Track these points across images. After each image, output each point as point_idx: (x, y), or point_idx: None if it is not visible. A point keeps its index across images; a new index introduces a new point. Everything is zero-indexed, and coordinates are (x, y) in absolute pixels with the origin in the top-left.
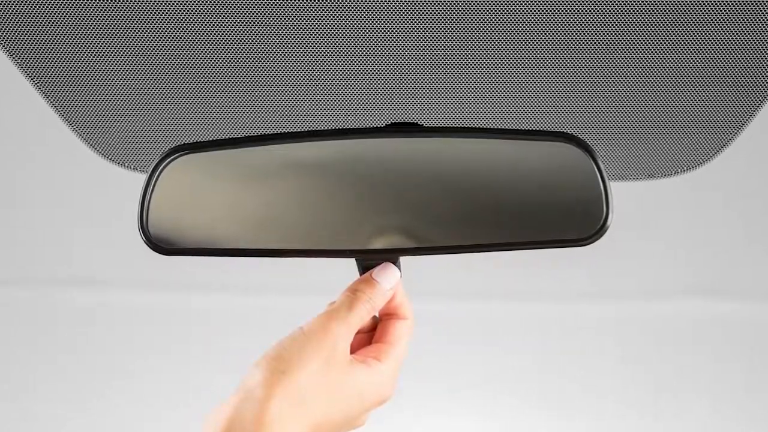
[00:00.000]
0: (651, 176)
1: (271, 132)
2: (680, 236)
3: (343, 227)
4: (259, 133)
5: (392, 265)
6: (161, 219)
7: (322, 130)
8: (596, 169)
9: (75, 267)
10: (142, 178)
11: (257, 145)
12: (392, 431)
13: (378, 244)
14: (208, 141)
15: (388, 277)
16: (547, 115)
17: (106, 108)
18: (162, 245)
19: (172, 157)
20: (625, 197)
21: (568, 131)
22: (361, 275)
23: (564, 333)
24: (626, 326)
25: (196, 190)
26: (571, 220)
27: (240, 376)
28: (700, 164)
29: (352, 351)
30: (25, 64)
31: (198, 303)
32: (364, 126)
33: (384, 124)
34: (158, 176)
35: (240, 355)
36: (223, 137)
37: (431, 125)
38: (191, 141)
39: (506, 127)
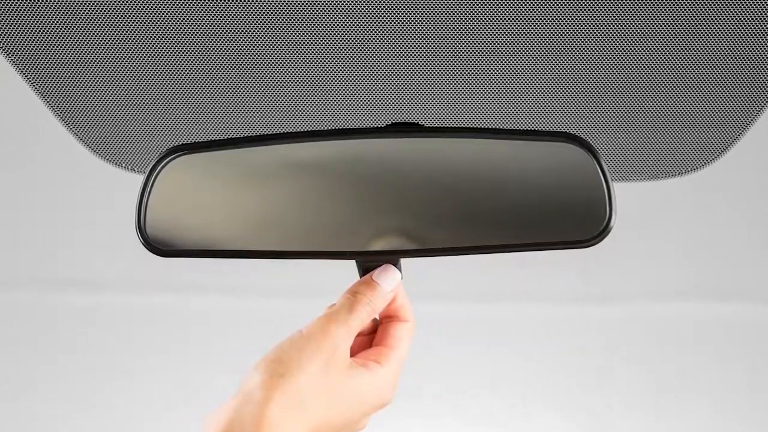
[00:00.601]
0: (654, 177)
1: (270, 132)
2: (683, 237)
3: (343, 228)
4: (258, 134)
5: (393, 266)
6: (159, 220)
7: (322, 130)
8: (599, 170)
9: (75, 268)
10: (140, 178)
11: (256, 146)
12: None
13: (378, 245)
14: (207, 141)
15: (388, 279)
16: (549, 115)
17: (103, 108)
18: (160, 247)
19: (170, 157)
20: (628, 198)
21: (571, 131)
22: (361, 277)
23: (565, 334)
24: (628, 327)
25: (194, 191)
26: (573, 221)
27: (239, 377)
28: (703, 165)
29: (352, 354)
30: (21, 63)
31: (198, 304)
32: (364, 126)
33: (384, 125)
34: (156, 177)
35: (239, 356)
36: (222, 137)
37: (432, 125)
38: (189, 141)
39: (508, 128)
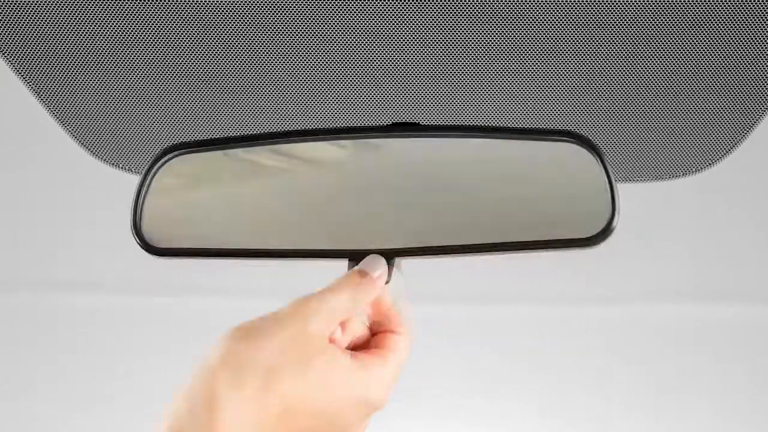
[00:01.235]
0: (657, 178)
1: (268, 131)
2: (684, 238)
3: (342, 228)
4: (256, 132)
5: (380, 256)
6: (155, 220)
7: (322, 128)
8: (603, 170)
9: (74, 269)
10: (137, 179)
11: (254, 145)
12: None
13: (376, 245)
14: (204, 140)
15: (373, 266)
16: (553, 115)
17: (98, 108)
18: (156, 247)
19: (167, 156)
20: (630, 199)
21: (574, 130)
22: None
23: (566, 335)
24: (629, 328)
25: (190, 191)
26: (576, 221)
27: None
28: (707, 166)
29: None
30: (17, 64)
31: (197, 305)
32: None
33: (385, 124)
34: (152, 176)
35: None
36: (220, 136)
37: (433, 124)
38: (186, 140)
39: (510, 126)
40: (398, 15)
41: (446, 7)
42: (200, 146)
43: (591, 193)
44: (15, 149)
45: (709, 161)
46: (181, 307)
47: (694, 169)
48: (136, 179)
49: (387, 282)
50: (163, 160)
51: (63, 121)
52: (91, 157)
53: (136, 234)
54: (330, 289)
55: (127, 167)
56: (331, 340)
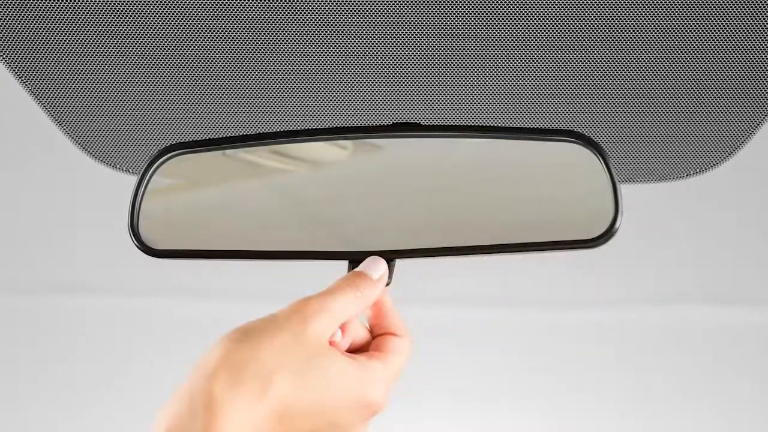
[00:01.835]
0: (661, 179)
1: (267, 131)
2: (687, 240)
3: (342, 229)
4: (255, 132)
5: (379, 258)
6: (153, 221)
7: (321, 128)
8: (606, 169)
9: (70, 270)
10: (134, 179)
11: (254, 145)
12: None
13: (376, 246)
14: (203, 140)
15: (372, 268)
16: (555, 115)
17: (95, 108)
18: (154, 247)
19: (165, 157)
20: (633, 200)
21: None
22: None
23: (566, 337)
24: (633, 332)
25: (189, 191)
26: (578, 222)
27: None
28: (712, 167)
29: None
30: (14, 64)
31: (196, 307)
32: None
33: (386, 124)
34: (150, 177)
35: None
36: (219, 136)
37: (435, 124)
38: (184, 140)
39: (512, 126)
40: (399, 14)
41: (447, 6)
42: (199, 146)
43: (594, 194)
44: (12, 150)
45: (714, 162)
46: (180, 309)
47: (698, 170)
48: (133, 180)
49: (388, 284)
50: (160, 161)
51: (60, 122)
52: (88, 157)
53: (134, 235)
54: (330, 291)
55: (124, 168)
56: (331, 343)
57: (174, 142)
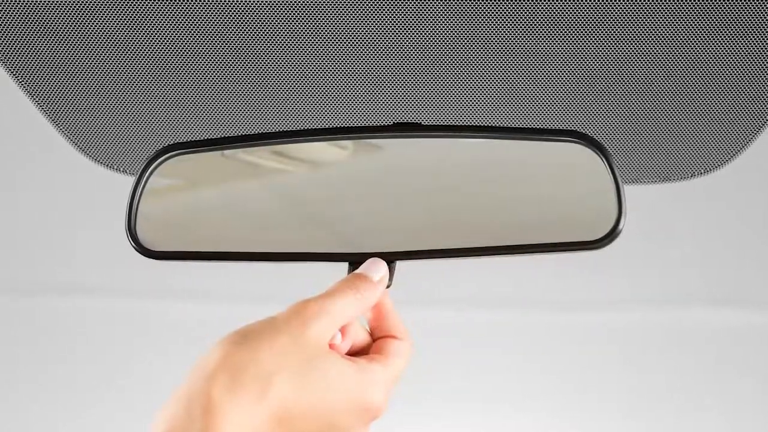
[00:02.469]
0: (665, 180)
1: (267, 131)
2: (691, 241)
3: (342, 230)
4: (254, 132)
5: (380, 259)
6: (151, 222)
7: (323, 128)
8: (609, 170)
9: (68, 271)
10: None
11: (254, 145)
12: None
13: (377, 248)
14: (202, 140)
15: (373, 269)
16: (558, 115)
17: (92, 108)
18: (152, 249)
19: (163, 157)
20: (638, 201)
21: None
22: None
23: (568, 339)
24: (637, 333)
25: (188, 192)
26: (581, 223)
27: None
28: (716, 168)
29: None
30: (11, 64)
31: (195, 309)
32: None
33: (387, 124)
34: (147, 178)
35: None
36: (218, 136)
37: (436, 124)
38: (183, 141)
39: (515, 126)
40: (399, 14)
41: (448, 6)
42: (197, 146)
43: (597, 195)
44: (9, 151)
45: (719, 163)
46: (179, 310)
47: (702, 171)
48: (131, 181)
49: (388, 286)
50: (159, 161)
51: (57, 123)
52: (85, 158)
53: (131, 237)
54: (329, 293)
55: (122, 168)
56: (331, 346)
57: (172, 143)
